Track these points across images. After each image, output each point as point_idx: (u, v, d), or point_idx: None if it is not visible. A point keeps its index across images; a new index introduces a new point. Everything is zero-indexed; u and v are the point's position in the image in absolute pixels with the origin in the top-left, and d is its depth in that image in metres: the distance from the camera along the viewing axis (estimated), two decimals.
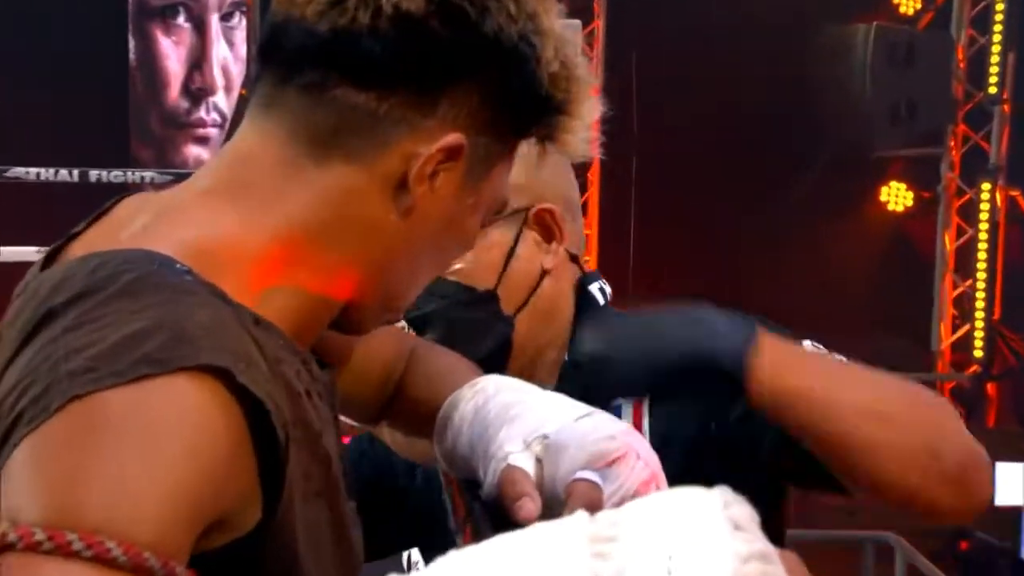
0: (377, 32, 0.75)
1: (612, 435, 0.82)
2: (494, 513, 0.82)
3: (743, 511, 0.52)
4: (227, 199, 0.77)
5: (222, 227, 0.76)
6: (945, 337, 6.62)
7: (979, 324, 6.44)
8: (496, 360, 1.12)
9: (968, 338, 6.54)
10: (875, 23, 6.26)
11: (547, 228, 1.18)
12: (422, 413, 0.94)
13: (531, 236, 1.17)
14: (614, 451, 0.80)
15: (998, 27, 6.44)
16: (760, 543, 0.51)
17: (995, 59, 6.46)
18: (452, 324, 1.14)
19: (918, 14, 6.59)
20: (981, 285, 6.46)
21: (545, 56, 0.79)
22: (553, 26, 0.80)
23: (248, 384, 0.69)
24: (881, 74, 6.22)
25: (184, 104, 6.18)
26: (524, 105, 0.80)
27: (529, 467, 0.82)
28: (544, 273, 1.17)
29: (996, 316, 6.51)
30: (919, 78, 6.30)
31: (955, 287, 6.63)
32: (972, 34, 6.54)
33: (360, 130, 0.77)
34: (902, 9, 6.57)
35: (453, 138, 0.78)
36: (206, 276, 0.73)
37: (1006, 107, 6.53)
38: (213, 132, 6.18)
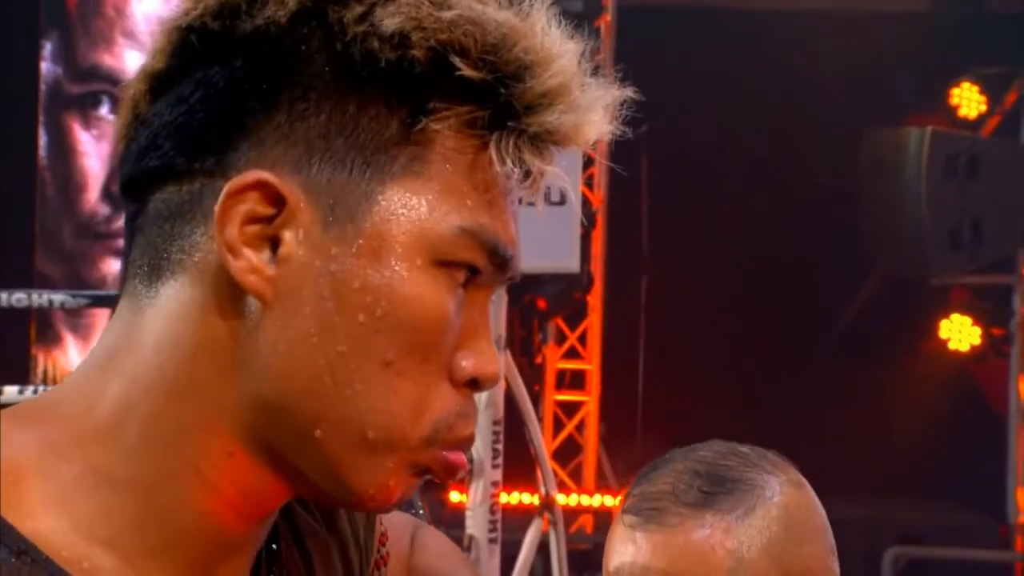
0: (141, 121, 0.75)
1: None
2: None
3: None
4: (75, 381, 0.76)
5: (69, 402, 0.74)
6: None
7: None
8: None
9: None
10: (930, 128, 6.39)
11: None
12: None
13: None
14: None
15: None
16: None
17: None
18: None
19: (982, 118, 6.75)
20: None
21: (354, 18, 0.71)
22: None
23: None
24: (939, 188, 6.32)
25: (104, 211, 6.24)
26: (370, 94, 0.71)
27: None
28: None
29: None
30: (984, 193, 6.41)
31: None
32: None
33: (170, 237, 0.73)
34: (963, 111, 6.72)
35: (242, 179, 0.71)
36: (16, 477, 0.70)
37: None
38: None
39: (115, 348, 0.75)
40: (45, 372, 6.18)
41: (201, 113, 0.73)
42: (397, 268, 0.71)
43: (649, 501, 1.15)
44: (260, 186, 0.71)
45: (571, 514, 6.34)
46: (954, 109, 6.71)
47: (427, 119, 0.72)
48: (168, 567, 0.73)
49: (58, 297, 3.53)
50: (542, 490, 3.93)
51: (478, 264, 0.73)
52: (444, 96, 0.72)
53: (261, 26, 0.72)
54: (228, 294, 0.72)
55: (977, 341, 6.64)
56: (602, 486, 6.88)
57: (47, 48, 6.31)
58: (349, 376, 0.71)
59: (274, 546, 0.80)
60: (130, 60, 6.16)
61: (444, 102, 0.72)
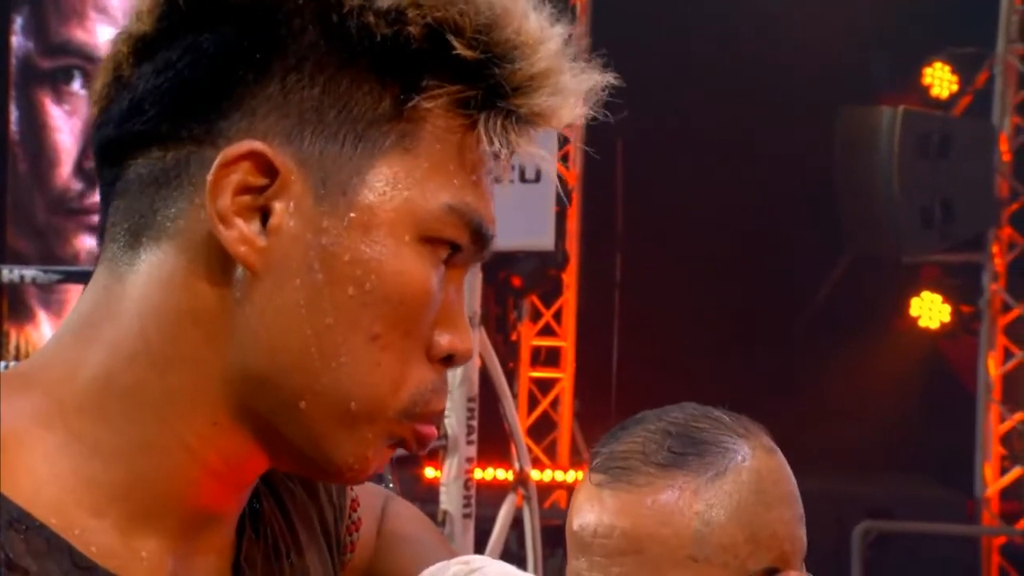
0: (122, 84, 0.74)
1: None
2: None
3: None
4: (54, 348, 0.75)
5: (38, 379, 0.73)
6: (991, 482, 6.65)
7: None
8: None
9: (1020, 484, 6.56)
10: (902, 107, 6.42)
11: None
12: None
13: None
14: None
15: None
16: None
17: None
18: None
19: (954, 98, 6.78)
20: None
21: None
22: None
23: None
24: (911, 168, 6.36)
25: (77, 186, 6.21)
26: (364, 68, 0.71)
27: None
28: None
29: None
30: (955, 173, 6.45)
31: (1002, 421, 6.68)
32: (1018, 122, 6.73)
33: (152, 203, 0.73)
34: (935, 91, 6.75)
35: (236, 148, 0.70)
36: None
37: None
38: None
39: (94, 316, 0.74)
40: (18, 348, 6.15)
41: (189, 80, 0.72)
42: (387, 243, 0.72)
43: (617, 460, 1.13)
44: (253, 156, 0.71)
45: (545, 490, 6.36)
46: (926, 89, 6.74)
47: (420, 97, 0.72)
48: (155, 534, 0.72)
49: (30, 272, 3.51)
50: (516, 466, 3.95)
51: (461, 242, 0.74)
52: (436, 74, 0.72)
53: (237, 4, 0.72)
54: (216, 262, 0.71)
55: (947, 318, 6.70)
56: (576, 462, 6.91)
57: (18, 22, 6.26)
58: (336, 348, 0.71)
59: (256, 505, 0.81)
60: (102, 35, 6.12)
61: (436, 80, 0.72)
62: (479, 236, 0.75)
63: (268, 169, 0.71)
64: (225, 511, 0.76)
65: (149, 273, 0.72)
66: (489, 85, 0.72)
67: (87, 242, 6.17)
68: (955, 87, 6.76)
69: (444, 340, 0.75)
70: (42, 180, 6.21)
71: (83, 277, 5.44)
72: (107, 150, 0.74)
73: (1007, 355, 6.70)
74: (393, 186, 0.72)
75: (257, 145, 0.71)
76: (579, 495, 1.15)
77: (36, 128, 6.24)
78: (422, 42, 0.71)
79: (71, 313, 0.76)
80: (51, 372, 0.73)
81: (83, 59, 6.13)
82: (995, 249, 6.74)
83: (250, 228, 0.71)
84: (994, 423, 6.68)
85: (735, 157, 6.47)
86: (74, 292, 6.03)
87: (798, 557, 1.15)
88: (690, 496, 1.11)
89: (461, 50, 0.71)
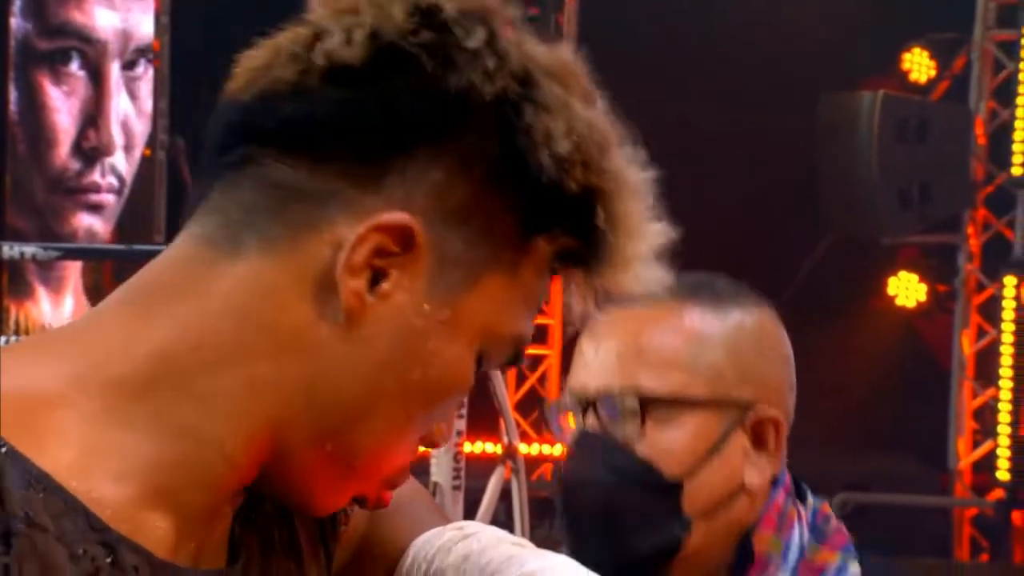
0: (303, 90, 0.75)
1: None
2: None
3: None
4: (110, 314, 0.76)
5: (85, 346, 0.74)
6: (964, 455, 6.75)
7: (1004, 441, 6.53)
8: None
9: (991, 457, 6.64)
10: (882, 91, 6.49)
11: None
12: (376, 554, 0.94)
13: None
14: None
15: (1022, 99, 6.69)
16: None
17: (1019, 135, 6.67)
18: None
19: (932, 83, 6.86)
20: (1006, 395, 6.54)
21: (542, 129, 0.75)
22: (565, 99, 0.76)
23: None
24: (889, 151, 6.43)
25: (75, 165, 6.24)
26: (517, 194, 0.76)
27: None
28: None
29: None
30: (933, 156, 6.52)
31: (975, 396, 6.78)
32: (994, 106, 6.81)
33: (279, 211, 0.74)
34: (913, 76, 6.83)
35: (396, 217, 0.73)
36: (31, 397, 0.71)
37: None
38: (109, 199, 6.23)
39: (168, 289, 0.75)
40: (17, 323, 6.19)
41: (371, 127, 0.75)
42: (461, 346, 0.77)
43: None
44: (403, 229, 0.74)
45: (533, 463, 6.43)
46: (905, 74, 6.81)
47: (544, 238, 0.77)
48: (170, 512, 0.75)
49: (30, 249, 3.54)
50: (505, 440, 4.01)
51: (505, 359, 0.80)
52: (564, 224, 0.77)
53: (464, 87, 0.74)
54: (319, 296, 0.74)
55: (923, 298, 6.78)
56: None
57: (17, 4, 6.28)
58: (380, 413, 0.76)
59: (250, 486, 0.85)
60: (100, 17, 6.14)
61: (562, 229, 0.77)
62: (516, 357, 0.80)
63: (407, 242, 0.74)
64: (233, 499, 0.79)
65: (252, 274, 0.74)
66: (594, 248, 0.78)
67: (85, 220, 6.20)
68: (933, 72, 6.83)
69: (436, 431, 0.80)
70: (41, 160, 6.23)
71: (81, 254, 5.48)
72: (253, 133, 0.76)
73: (981, 333, 6.79)
74: (489, 302, 0.77)
75: (412, 223, 0.74)
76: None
77: (35, 109, 6.25)
78: (573, 196, 0.76)
79: (133, 281, 0.77)
80: (100, 341, 0.75)
81: (81, 40, 6.15)
82: (970, 230, 6.83)
83: (364, 283, 0.74)
84: (967, 399, 6.77)
85: (720, 141, 6.52)
86: (72, 268, 6.08)
87: (782, 411, 1.20)
88: (695, 319, 1.19)
89: (600, 221, 0.77)
